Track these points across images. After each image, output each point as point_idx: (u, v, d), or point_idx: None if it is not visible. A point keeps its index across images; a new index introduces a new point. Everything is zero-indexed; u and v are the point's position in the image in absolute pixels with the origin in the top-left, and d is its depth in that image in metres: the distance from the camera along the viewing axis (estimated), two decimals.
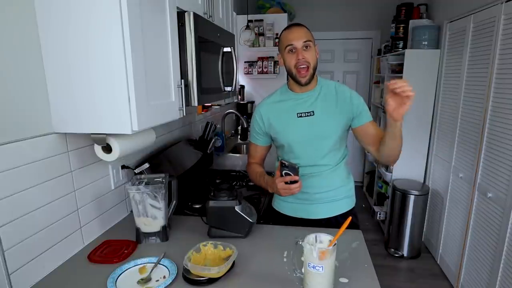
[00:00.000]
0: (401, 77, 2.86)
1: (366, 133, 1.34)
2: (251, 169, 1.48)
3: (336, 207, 1.40)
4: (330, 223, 1.38)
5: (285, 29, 1.31)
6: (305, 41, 1.24)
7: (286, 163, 1.16)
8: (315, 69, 1.28)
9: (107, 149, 1.10)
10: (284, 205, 1.45)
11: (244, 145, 3.01)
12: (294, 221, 1.42)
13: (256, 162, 1.49)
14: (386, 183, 3.28)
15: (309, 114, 1.32)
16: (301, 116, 1.32)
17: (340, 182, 1.40)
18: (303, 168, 1.35)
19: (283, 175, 1.18)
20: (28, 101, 0.96)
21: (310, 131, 1.32)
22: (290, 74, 1.31)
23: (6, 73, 0.90)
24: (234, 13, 2.18)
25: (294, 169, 1.16)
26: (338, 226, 0.98)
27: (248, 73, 3.42)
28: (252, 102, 3.46)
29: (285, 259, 1.11)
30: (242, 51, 3.34)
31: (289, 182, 1.17)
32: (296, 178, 1.16)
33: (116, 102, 0.94)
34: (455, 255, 2.42)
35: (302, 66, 1.25)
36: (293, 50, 1.25)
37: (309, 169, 1.35)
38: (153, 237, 1.24)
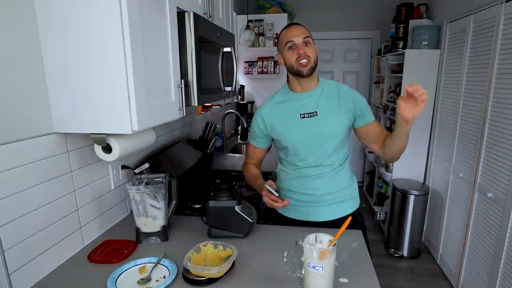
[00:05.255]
0: (400, 77, 2.86)
1: (369, 132, 1.34)
2: (247, 168, 1.46)
3: (341, 208, 1.39)
4: (337, 225, 1.35)
5: (284, 28, 1.31)
6: (304, 37, 1.24)
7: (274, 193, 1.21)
8: (316, 63, 1.27)
9: (107, 149, 1.10)
10: (289, 208, 1.42)
11: (244, 145, 3.01)
12: (299, 224, 1.40)
13: (253, 163, 1.47)
14: (386, 183, 3.28)
15: (312, 115, 1.30)
16: (304, 117, 1.31)
17: (345, 182, 1.39)
18: (308, 169, 1.35)
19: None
20: (28, 101, 0.96)
21: (314, 132, 1.30)
22: (291, 71, 1.29)
23: (6, 73, 0.90)
24: (234, 13, 2.17)
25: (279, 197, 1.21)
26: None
27: (248, 73, 3.42)
28: (252, 102, 3.46)
29: (285, 259, 1.11)
30: (242, 51, 3.33)
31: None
32: (279, 201, 1.19)
33: (116, 102, 0.94)
34: (455, 255, 2.41)
35: (303, 60, 1.24)
36: (293, 47, 1.25)
37: (315, 170, 1.34)
38: (153, 237, 1.24)
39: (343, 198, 1.39)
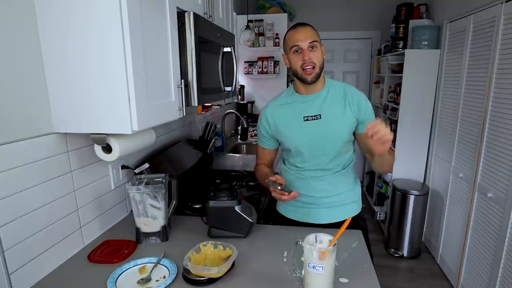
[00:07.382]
0: (401, 77, 2.86)
1: (366, 142, 1.27)
2: (258, 169, 1.45)
3: (342, 211, 1.37)
4: (337, 228, 1.35)
5: (290, 29, 1.28)
6: (311, 42, 1.22)
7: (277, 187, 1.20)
8: (321, 69, 1.26)
9: (107, 149, 1.10)
10: (289, 209, 1.43)
11: (244, 145, 3.01)
12: (299, 225, 1.39)
13: (264, 163, 1.46)
14: (386, 183, 3.28)
15: (315, 118, 1.29)
16: (307, 120, 1.29)
17: (348, 186, 1.38)
18: (310, 171, 1.34)
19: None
20: (28, 101, 0.96)
21: (317, 135, 1.29)
22: (295, 75, 1.29)
23: (6, 73, 0.90)
24: (234, 13, 2.18)
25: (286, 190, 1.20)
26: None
27: (248, 73, 3.42)
28: (252, 102, 3.46)
29: (285, 259, 1.11)
30: (242, 51, 3.33)
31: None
32: (285, 193, 1.18)
33: (116, 102, 0.94)
34: (455, 255, 2.42)
35: (308, 67, 1.23)
36: (299, 51, 1.23)
37: (316, 172, 1.34)
38: (153, 237, 1.24)
39: (345, 202, 1.38)
